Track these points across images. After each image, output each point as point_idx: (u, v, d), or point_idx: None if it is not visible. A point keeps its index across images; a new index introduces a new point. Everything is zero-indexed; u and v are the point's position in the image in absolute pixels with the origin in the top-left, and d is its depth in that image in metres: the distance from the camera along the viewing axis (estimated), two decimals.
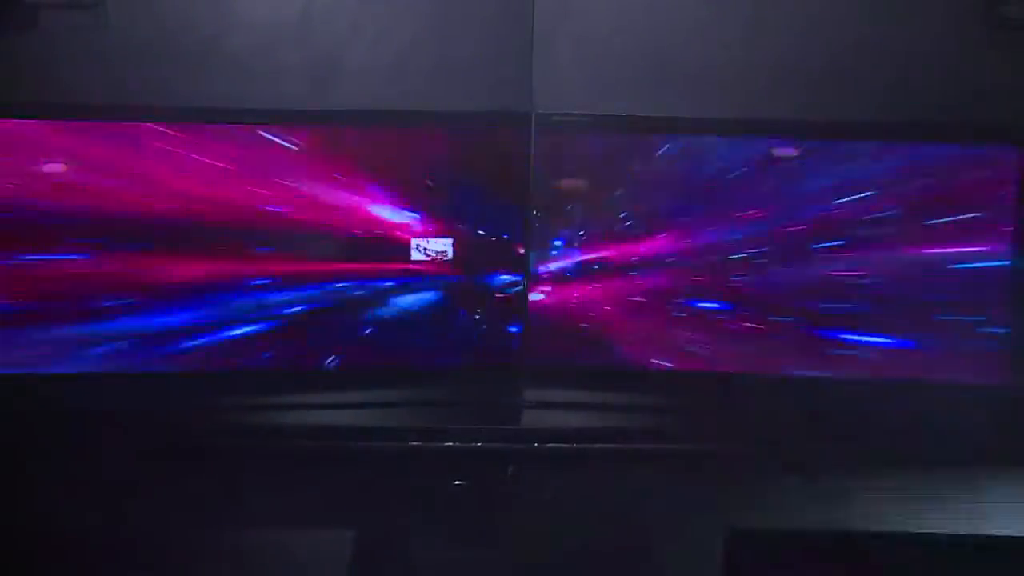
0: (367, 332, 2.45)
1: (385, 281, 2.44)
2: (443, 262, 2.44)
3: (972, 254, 2.39)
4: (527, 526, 2.37)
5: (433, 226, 2.43)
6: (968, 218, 2.39)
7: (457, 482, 2.38)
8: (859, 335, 2.45)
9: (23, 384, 2.36)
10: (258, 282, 2.41)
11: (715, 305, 2.46)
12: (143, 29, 2.34)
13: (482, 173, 2.42)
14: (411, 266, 2.44)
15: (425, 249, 2.43)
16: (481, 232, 2.44)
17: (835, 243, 2.42)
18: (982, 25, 2.37)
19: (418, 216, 2.42)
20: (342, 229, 2.41)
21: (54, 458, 2.30)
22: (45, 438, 2.33)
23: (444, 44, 2.39)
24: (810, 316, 2.45)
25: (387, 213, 2.41)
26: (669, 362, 2.49)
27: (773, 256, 2.44)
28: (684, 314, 2.47)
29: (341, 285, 2.43)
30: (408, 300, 2.45)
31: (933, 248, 2.41)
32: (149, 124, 2.33)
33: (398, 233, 2.42)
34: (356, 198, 2.40)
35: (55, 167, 2.31)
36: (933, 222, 2.40)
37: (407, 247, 2.43)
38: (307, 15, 2.35)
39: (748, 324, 2.46)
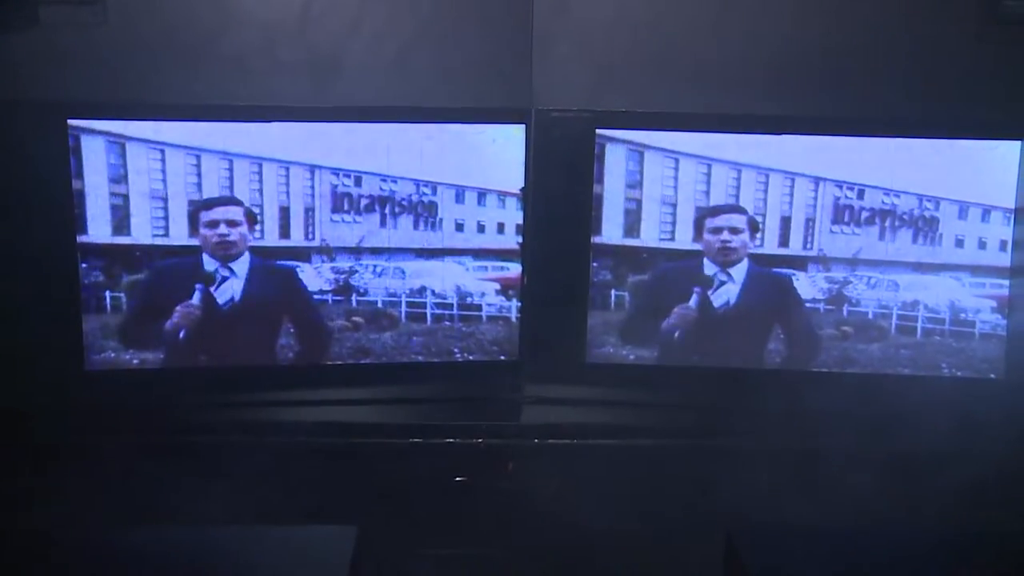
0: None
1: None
2: None
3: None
4: (527, 522, 2.37)
5: None
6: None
7: (457, 478, 2.37)
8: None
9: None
10: None
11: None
12: (143, 25, 2.35)
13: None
14: None
15: None
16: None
17: None
18: (983, 19, 2.38)
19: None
20: None
21: (54, 457, 2.30)
22: (45, 437, 2.33)
23: (444, 40, 2.40)
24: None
25: None
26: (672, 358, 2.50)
27: None
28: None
29: None
30: None
31: None
32: None
33: None
34: None
35: None
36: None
37: None
38: (307, 11, 2.35)
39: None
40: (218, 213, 2.37)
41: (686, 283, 2.47)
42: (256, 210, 2.38)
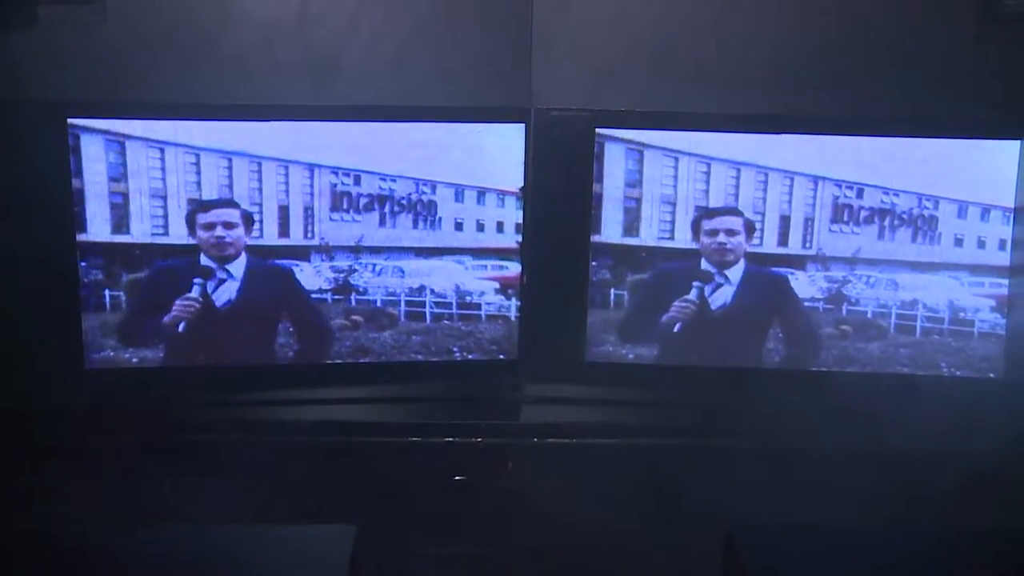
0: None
1: None
2: None
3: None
4: (526, 522, 2.37)
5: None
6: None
7: (457, 478, 2.38)
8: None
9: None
10: None
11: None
12: (142, 24, 2.35)
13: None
14: None
15: None
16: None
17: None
18: (982, 18, 2.38)
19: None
20: None
21: (53, 456, 2.31)
22: (45, 436, 2.33)
23: (443, 39, 2.40)
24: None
25: None
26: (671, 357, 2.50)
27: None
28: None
29: None
30: None
31: None
32: None
33: None
34: None
35: None
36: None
37: None
38: (307, 11, 2.35)
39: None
40: (215, 216, 2.37)
41: (684, 283, 2.47)
42: (255, 208, 2.38)
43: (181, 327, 2.40)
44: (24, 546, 1.84)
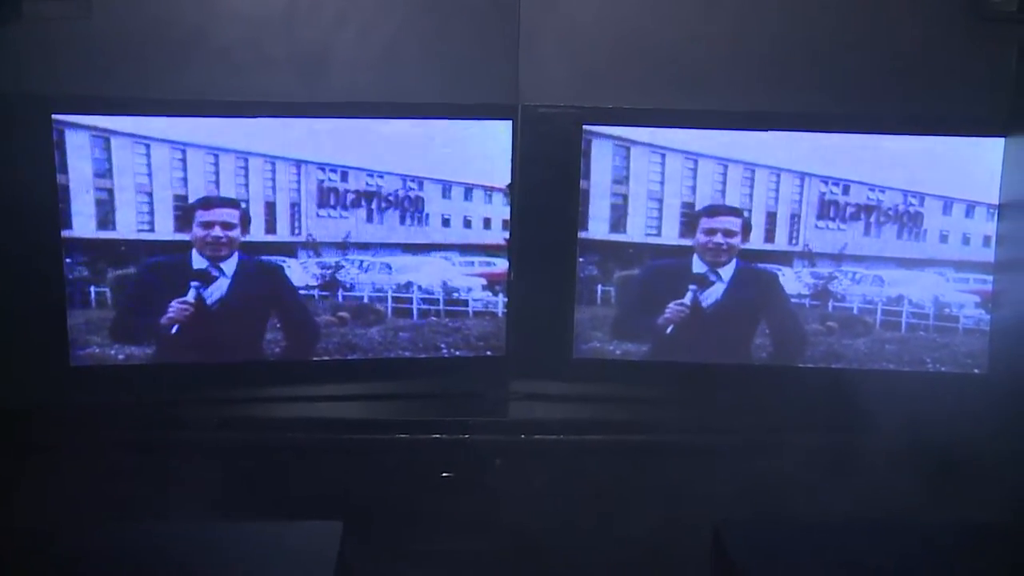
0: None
1: None
2: None
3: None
4: (514, 518, 2.37)
5: None
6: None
7: (444, 474, 2.37)
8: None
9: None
10: None
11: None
12: (128, 19, 2.33)
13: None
14: None
15: None
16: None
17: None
18: (967, 17, 2.39)
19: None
20: None
21: (38, 453, 2.29)
22: (30, 432, 2.32)
23: (431, 36, 2.40)
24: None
25: None
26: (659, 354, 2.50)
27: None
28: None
29: None
30: None
31: None
32: None
33: None
34: None
35: None
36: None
37: None
38: (294, 7, 2.35)
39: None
40: (215, 215, 2.36)
41: (674, 279, 2.48)
42: (249, 209, 2.38)
43: (174, 330, 2.40)
44: (9, 543, 1.83)
